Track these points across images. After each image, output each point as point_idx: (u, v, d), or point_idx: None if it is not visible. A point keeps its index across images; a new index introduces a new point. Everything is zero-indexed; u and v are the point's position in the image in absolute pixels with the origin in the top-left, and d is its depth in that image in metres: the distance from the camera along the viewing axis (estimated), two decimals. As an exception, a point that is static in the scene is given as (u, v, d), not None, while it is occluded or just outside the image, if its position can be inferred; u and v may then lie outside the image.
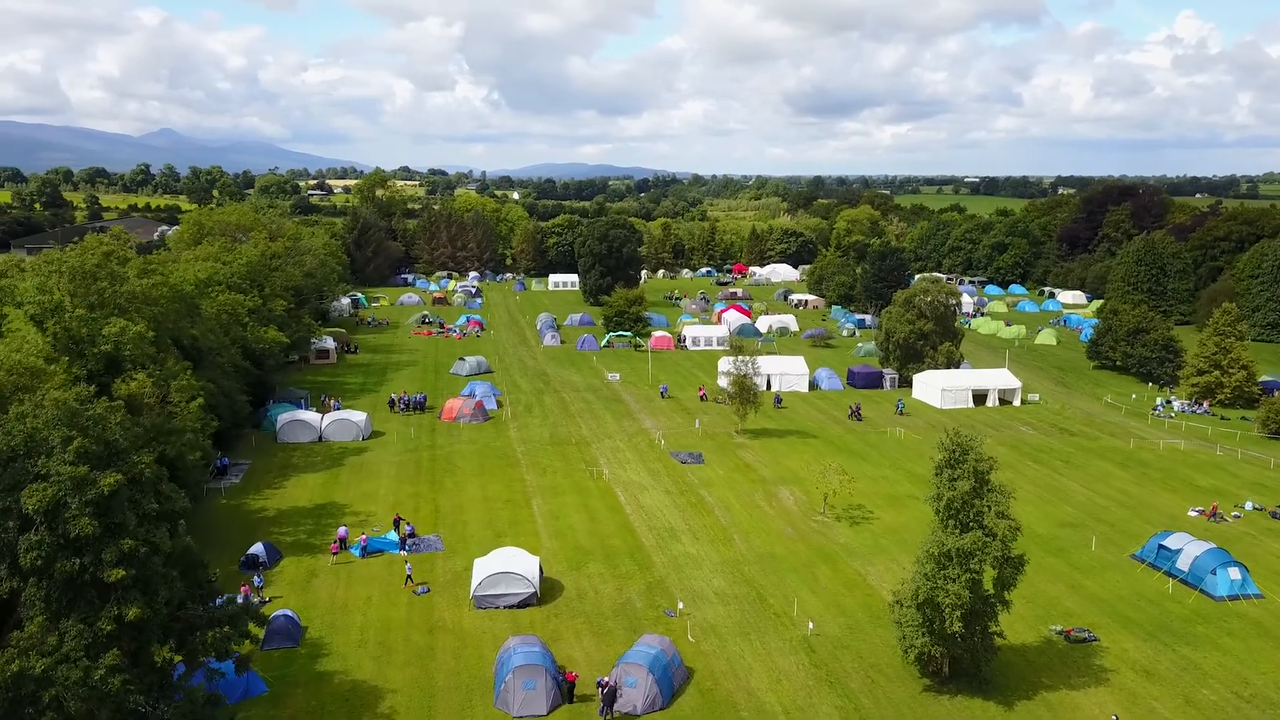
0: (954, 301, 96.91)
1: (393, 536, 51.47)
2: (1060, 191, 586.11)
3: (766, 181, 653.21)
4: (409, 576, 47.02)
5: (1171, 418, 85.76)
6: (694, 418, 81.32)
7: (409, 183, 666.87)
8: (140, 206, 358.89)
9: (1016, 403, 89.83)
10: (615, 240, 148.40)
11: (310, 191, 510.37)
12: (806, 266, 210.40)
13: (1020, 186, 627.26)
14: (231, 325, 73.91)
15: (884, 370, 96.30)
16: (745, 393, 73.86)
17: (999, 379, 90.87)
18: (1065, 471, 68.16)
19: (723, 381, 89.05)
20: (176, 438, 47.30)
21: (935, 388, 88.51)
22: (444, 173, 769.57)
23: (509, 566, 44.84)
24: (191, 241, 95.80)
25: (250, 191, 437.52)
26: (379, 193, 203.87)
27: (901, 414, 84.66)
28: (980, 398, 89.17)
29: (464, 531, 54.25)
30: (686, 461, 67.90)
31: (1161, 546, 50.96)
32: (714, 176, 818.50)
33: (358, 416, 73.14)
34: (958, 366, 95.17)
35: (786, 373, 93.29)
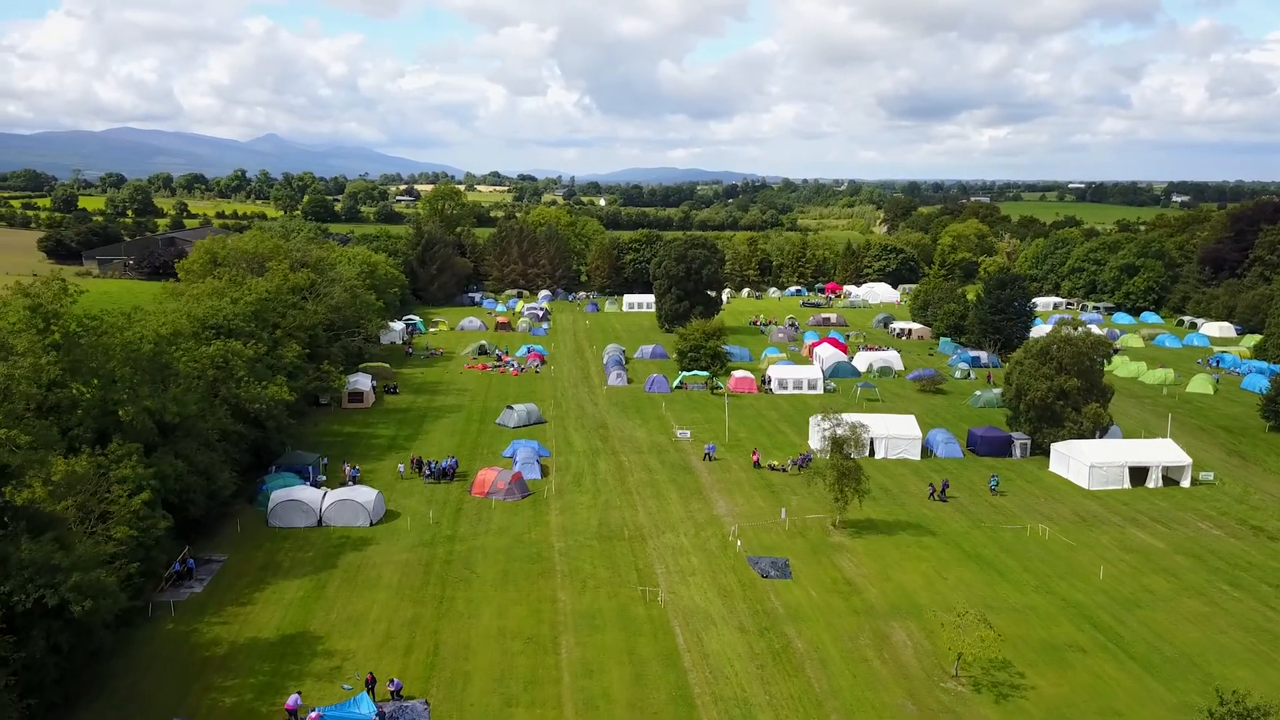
0: (1102, 355, 79.18)
1: (364, 710, 37.70)
2: (1175, 199, 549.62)
3: (860, 187, 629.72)
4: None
5: (1396, 511, 66.94)
6: (777, 495, 66.11)
7: (497, 188, 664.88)
8: (227, 213, 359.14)
9: (1185, 483, 71.87)
10: (694, 261, 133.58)
11: (398, 197, 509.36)
12: (907, 286, 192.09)
13: (1130, 193, 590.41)
14: (224, 381, 61.77)
15: (1013, 434, 79.22)
16: (846, 477, 58.40)
17: (1163, 452, 72.99)
18: (1280, 604, 50.83)
19: (815, 443, 73.76)
20: (63, 578, 34.44)
21: (1081, 462, 71.27)
22: (533, 178, 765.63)
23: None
24: (202, 273, 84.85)
25: (340, 197, 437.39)
26: (445, 206, 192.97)
27: (996, 492, 68.12)
28: (1139, 474, 71.59)
29: (463, 694, 40.21)
30: (768, 574, 52.69)
31: None
32: (805, 181, 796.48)
33: (365, 496, 60.03)
34: (1105, 432, 77.60)
35: (894, 435, 77.09)
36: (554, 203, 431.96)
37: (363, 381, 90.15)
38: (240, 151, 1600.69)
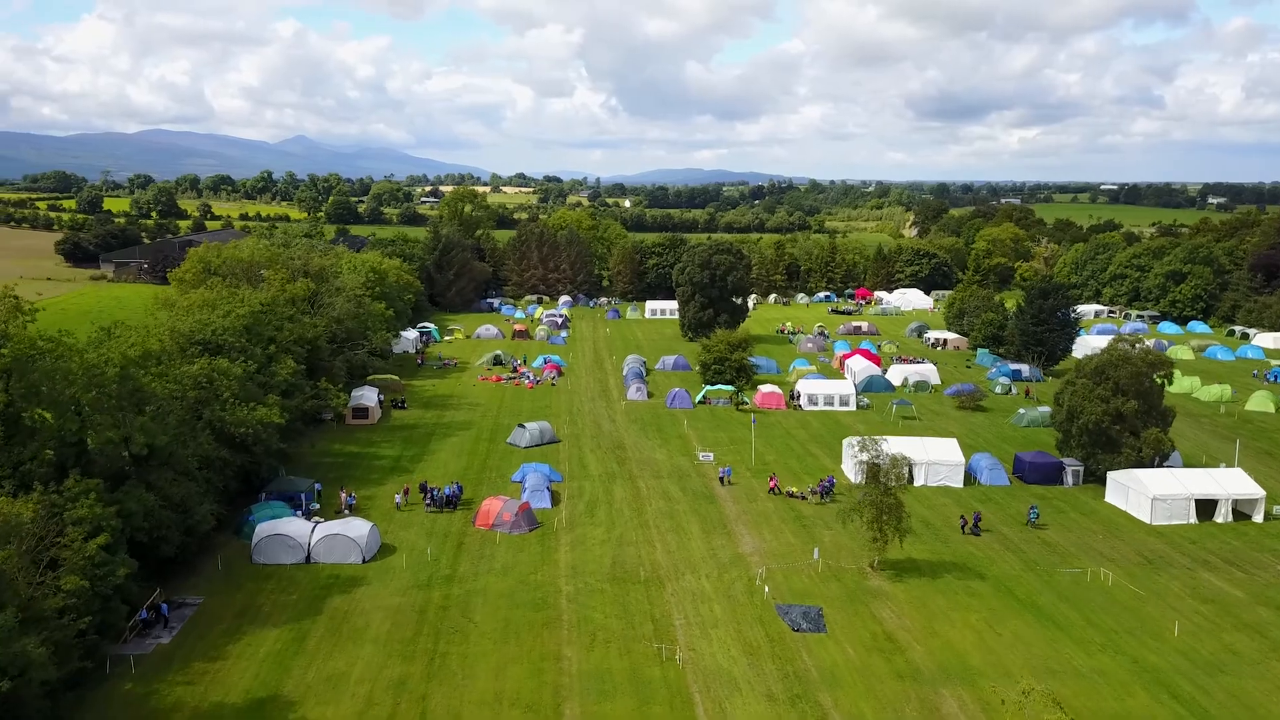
0: (1163, 371, 72.80)
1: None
2: (1210, 201, 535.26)
3: (889, 189, 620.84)
4: None
5: None
6: (808, 530, 60.50)
7: (522, 190, 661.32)
8: (251, 215, 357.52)
9: (1258, 517, 65.47)
10: (719, 267, 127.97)
11: (423, 199, 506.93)
12: (940, 293, 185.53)
13: (1164, 194, 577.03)
14: (209, 402, 57.04)
15: (1064, 460, 73.07)
16: (886, 513, 52.74)
17: (1233, 482, 66.58)
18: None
19: (850, 470, 68.33)
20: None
21: (1143, 494, 65.05)
22: (559, 179, 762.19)
23: None
24: (195, 282, 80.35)
25: (365, 198, 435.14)
26: (464, 208, 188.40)
27: (1035, 525, 62.23)
28: (1206, 508, 65.28)
29: (449, 778, 35.11)
30: (800, 627, 47.06)
31: None
32: (831, 182, 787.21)
33: (359, 530, 55.03)
34: (1167, 459, 71.34)
35: (935, 461, 71.20)
36: (578, 204, 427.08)
37: (368, 396, 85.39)
38: (270, 153, 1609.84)
